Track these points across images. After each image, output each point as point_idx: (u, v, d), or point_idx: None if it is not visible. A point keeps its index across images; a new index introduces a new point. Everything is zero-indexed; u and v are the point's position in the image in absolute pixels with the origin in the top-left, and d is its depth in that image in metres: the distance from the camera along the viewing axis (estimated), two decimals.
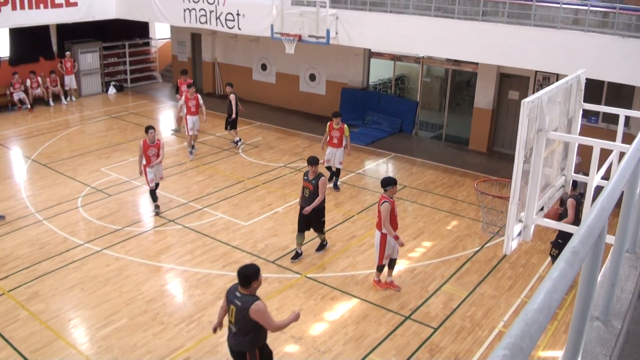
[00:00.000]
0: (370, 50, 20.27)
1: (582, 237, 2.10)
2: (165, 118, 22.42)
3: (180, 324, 9.46)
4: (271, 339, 8.95)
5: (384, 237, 10.04)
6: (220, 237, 12.37)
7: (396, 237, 9.96)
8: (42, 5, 21.33)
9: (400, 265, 11.21)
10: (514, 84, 17.53)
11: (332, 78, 21.50)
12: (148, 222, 13.22)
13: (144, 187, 14.93)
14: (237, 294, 6.80)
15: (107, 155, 17.40)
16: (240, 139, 18.29)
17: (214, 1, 19.89)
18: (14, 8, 20.58)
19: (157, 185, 13.55)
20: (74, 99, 24.13)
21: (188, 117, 16.92)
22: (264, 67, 23.63)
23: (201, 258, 11.51)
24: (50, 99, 23.30)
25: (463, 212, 13.77)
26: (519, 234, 5.45)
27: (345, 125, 14.55)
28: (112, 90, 25.74)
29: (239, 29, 19.57)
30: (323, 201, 11.20)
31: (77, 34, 24.61)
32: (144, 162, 13.19)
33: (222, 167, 16.45)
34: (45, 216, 13.38)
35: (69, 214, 13.49)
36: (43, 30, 23.59)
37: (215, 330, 7.52)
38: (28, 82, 22.64)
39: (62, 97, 23.68)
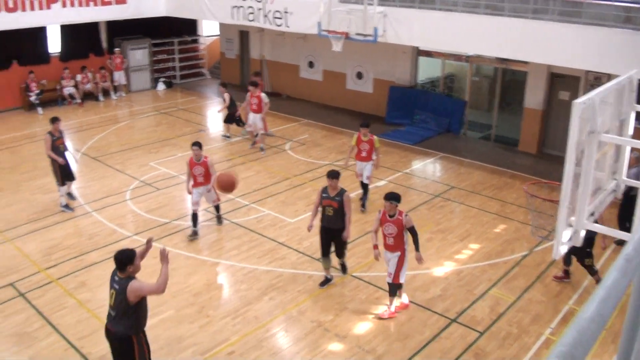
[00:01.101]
0: (418, 48, 20.21)
1: (636, 244, 2.10)
2: (214, 114, 22.74)
3: (226, 318, 9.64)
4: (315, 336, 9.10)
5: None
6: (267, 233, 12.54)
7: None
8: (92, 3, 21.89)
9: (447, 267, 11.21)
10: (565, 84, 17.25)
11: (380, 76, 21.50)
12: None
13: (191, 182, 15.20)
14: (116, 277, 7.04)
15: (156, 150, 17.78)
16: (229, 136, 19.20)
17: None
18: (64, 5, 21.19)
19: (217, 207, 12.70)
20: (123, 94, 24.69)
21: (250, 114, 17.45)
22: (311, 64, 23.77)
23: (247, 253, 11.70)
24: (100, 94, 23.90)
25: (512, 214, 13.64)
26: (569, 239, 5.41)
27: (375, 137, 13.38)
28: (161, 86, 26.25)
29: (287, 26, 19.72)
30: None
31: (126, 30, 25.20)
32: (192, 182, 12.24)
33: (270, 164, 16.65)
34: (95, 208, 13.78)
35: (117, 207, 13.86)
36: (93, 27, 24.24)
37: None
38: (78, 77, 23.31)
39: (112, 93, 24.27)
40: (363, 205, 13.68)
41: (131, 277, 7.03)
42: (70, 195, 14.08)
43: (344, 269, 10.90)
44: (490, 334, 9.36)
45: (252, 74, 18.98)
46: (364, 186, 13.57)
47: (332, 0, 17.38)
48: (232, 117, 18.98)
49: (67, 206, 13.68)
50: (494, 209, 13.91)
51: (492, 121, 19.23)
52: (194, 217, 12.24)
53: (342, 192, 10.11)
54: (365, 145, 13.24)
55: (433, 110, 20.04)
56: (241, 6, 20.87)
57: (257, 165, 16.57)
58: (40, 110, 21.99)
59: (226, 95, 18.54)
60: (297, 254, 11.67)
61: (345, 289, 10.49)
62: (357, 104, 22.18)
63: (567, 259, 10.60)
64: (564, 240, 5.31)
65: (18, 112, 22.26)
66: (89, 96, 23.77)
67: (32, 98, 21.99)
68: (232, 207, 13.83)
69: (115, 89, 24.51)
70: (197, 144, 12.11)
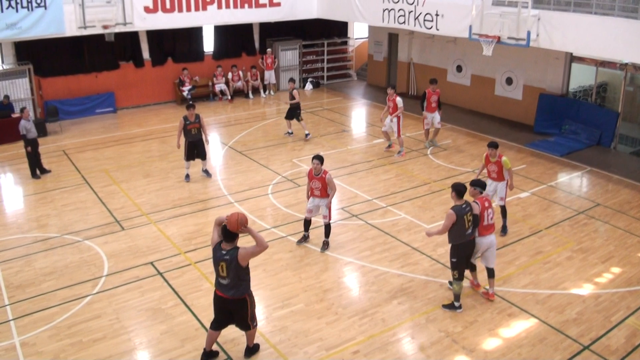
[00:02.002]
0: (571, 54, 19.18)
1: None
2: (358, 115, 22.95)
3: (354, 317, 9.65)
4: (441, 347, 8.89)
5: None
6: (401, 237, 12.42)
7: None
8: (246, 5, 22.87)
9: (585, 290, 10.52)
10: None
11: (530, 83, 20.65)
12: (333, 214, 13.55)
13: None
14: (222, 251, 7.92)
15: (300, 147, 18.19)
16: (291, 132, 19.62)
17: (414, 1, 19.95)
18: (219, 7, 22.32)
19: (327, 230, 11.96)
20: (272, 93, 25.51)
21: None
22: (459, 68, 23.29)
23: (380, 255, 11.65)
24: (250, 92, 24.90)
25: None
26: None
27: (504, 158, 12.14)
28: (309, 86, 26.87)
29: (437, 29, 19.45)
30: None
31: (278, 31, 26.12)
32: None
33: (410, 168, 16.49)
34: (237, 199, 14.33)
35: (258, 199, 14.32)
36: (247, 27, 25.27)
37: None
38: (230, 75, 24.42)
39: (261, 91, 25.21)
40: (503, 229, 12.60)
41: (237, 247, 7.94)
42: (206, 172, 15.90)
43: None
44: None
45: (430, 81, 17.79)
46: (501, 208, 12.55)
47: (484, 3, 16.93)
48: (292, 114, 19.13)
49: (187, 176, 15.56)
50: None
51: None
52: (306, 223, 12.11)
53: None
54: (493, 166, 12.25)
55: (584, 120, 18.92)
56: (392, 9, 20.88)
57: (397, 168, 16.47)
58: None
59: (295, 92, 18.76)
60: (430, 261, 11.45)
61: (477, 301, 10.14)
62: (504, 111, 21.46)
63: None
64: None
65: (171, 106, 23.74)
66: (238, 93, 24.88)
67: (185, 93, 23.33)
68: (369, 208, 13.83)
69: (265, 87, 25.40)
70: (318, 158, 11.52)
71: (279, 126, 20.79)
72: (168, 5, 21.12)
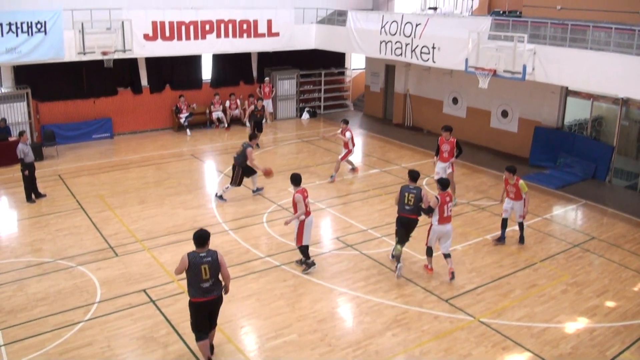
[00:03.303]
0: (567, 88, 19.35)
1: None
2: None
3: (347, 349, 9.57)
4: None
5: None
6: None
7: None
8: (245, 35, 23.19)
9: (580, 324, 10.48)
10: None
11: (525, 116, 20.79)
12: (327, 244, 13.59)
13: (326, 210, 15.45)
14: (201, 254, 8.56)
15: None
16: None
17: (411, 34, 20.20)
18: (218, 36, 22.63)
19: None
20: (269, 121, 25.61)
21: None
22: (455, 100, 23.46)
23: (375, 286, 11.60)
24: (247, 120, 24.92)
25: None
26: None
27: (522, 181, 13.28)
28: (305, 115, 27.00)
29: (434, 61, 19.65)
30: None
31: (276, 61, 26.33)
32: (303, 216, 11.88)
33: None
34: (231, 227, 14.30)
35: (253, 228, 14.29)
36: (245, 56, 25.49)
37: None
38: (227, 103, 24.56)
39: None
40: (521, 240, 13.82)
41: (211, 250, 8.67)
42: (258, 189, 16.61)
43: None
44: None
45: (443, 128, 15.86)
46: (519, 224, 13.81)
47: (480, 37, 17.12)
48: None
49: (221, 197, 16.02)
50: (635, 265, 12.84)
51: None
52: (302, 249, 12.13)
53: None
54: (511, 187, 13.49)
55: (579, 154, 19.03)
56: (389, 41, 21.13)
57: (393, 198, 16.35)
58: (188, 131, 23.40)
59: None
60: (424, 292, 11.40)
61: (471, 334, 10.08)
62: (500, 143, 21.57)
63: None
64: None
65: (168, 132, 23.82)
66: (235, 121, 24.96)
67: (182, 120, 23.43)
68: (364, 238, 13.81)
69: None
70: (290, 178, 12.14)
71: (275, 155, 20.84)
72: (167, 34, 21.36)
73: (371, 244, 13.52)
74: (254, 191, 16.62)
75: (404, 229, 11.94)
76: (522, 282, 11.93)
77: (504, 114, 21.54)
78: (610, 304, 11.24)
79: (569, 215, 15.94)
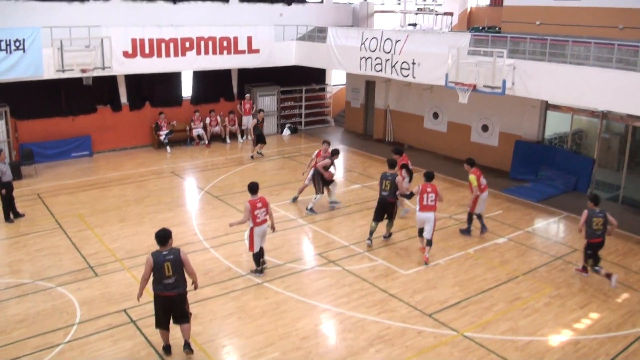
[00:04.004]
0: (547, 102, 19.56)
1: None
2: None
3: None
4: None
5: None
6: (378, 283, 12.35)
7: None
8: (225, 52, 23.21)
9: (564, 336, 10.52)
10: None
11: (506, 130, 20.97)
12: (310, 260, 13.55)
13: (308, 226, 15.42)
14: (164, 252, 9.19)
15: (277, 192, 18.17)
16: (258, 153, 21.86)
17: (391, 50, 20.34)
18: (198, 53, 22.62)
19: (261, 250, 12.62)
20: (250, 138, 25.56)
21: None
22: (435, 115, 23.61)
23: (357, 302, 11.56)
24: (227, 137, 24.97)
25: (636, 284, 12.63)
26: None
27: (471, 175, 14.65)
28: (286, 131, 27.02)
29: (414, 77, 19.79)
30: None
31: (256, 77, 26.36)
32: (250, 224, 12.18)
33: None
34: (212, 244, 14.20)
35: (235, 245, 14.20)
36: (225, 73, 25.49)
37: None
38: (207, 120, 24.51)
39: (239, 136, 25.27)
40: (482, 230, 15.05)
41: (174, 247, 9.32)
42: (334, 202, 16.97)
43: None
44: None
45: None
46: (469, 215, 15.10)
47: (460, 52, 17.26)
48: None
49: (312, 209, 16.40)
50: (619, 276, 12.93)
51: (621, 181, 18.06)
52: (256, 256, 12.58)
53: None
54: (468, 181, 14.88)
55: (559, 167, 19.22)
56: (369, 57, 21.25)
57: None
58: (168, 149, 23.30)
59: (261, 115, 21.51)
60: (407, 308, 11.38)
61: (455, 349, 10.07)
62: (481, 158, 21.64)
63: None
64: None
65: (148, 150, 23.70)
66: (216, 138, 24.92)
67: (162, 137, 23.34)
68: (347, 254, 13.78)
69: (243, 132, 25.47)
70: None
71: (256, 171, 20.79)
72: (147, 50, 21.32)
73: (353, 260, 13.50)
74: (330, 202, 17.01)
75: (380, 209, 14.06)
76: (505, 295, 11.96)
77: (485, 128, 21.71)
78: (594, 315, 11.30)
79: (550, 227, 16.05)
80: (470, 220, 15.07)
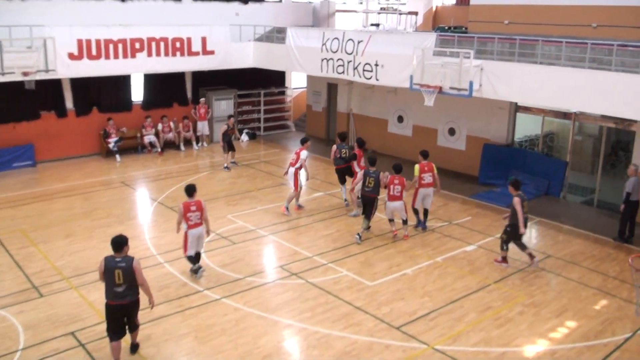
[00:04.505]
0: (516, 104, 19.83)
1: None
2: None
3: None
4: None
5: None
6: (343, 295, 12.32)
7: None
8: (178, 53, 23.04)
9: (540, 346, 10.62)
10: None
11: (473, 133, 21.20)
12: (270, 273, 13.45)
13: (269, 237, 15.33)
14: (117, 259, 9.35)
15: (235, 202, 18.04)
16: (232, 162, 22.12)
17: (353, 51, 20.41)
18: (149, 54, 22.39)
19: (197, 255, 13.03)
20: (205, 144, 25.42)
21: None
22: (400, 119, 23.76)
23: (322, 316, 11.50)
24: (182, 144, 24.75)
25: (614, 290, 12.85)
26: None
27: (416, 165, 16.01)
28: (245, 137, 26.81)
29: (377, 79, 19.88)
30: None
31: (212, 80, 26.23)
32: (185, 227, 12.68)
33: (351, 222, 16.52)
34: (167, 259, 13.99)
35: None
36: (178, 76, 25.29)
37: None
38: (160, 126, 24.26)
39: (194, 143, 25.05)
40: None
41: (129, 256, 9.46)
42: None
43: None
44: None
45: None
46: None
47: (425, 53, 17.40)
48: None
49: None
50: (595, 283, 13.16)
51: (596, 185, 18.42)
52: (190, 259, 13.03)
53: None
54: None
55: (531, 171, 19.49)
56: (331, 58, 21.29)
57: (338, 223, 16.48)
58: (118, 157, 22.95)
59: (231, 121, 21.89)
60: (374, 321, 11.36)
61: None
62: (448, 162, 21.86)
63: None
64: None
65: (96, 159, 23.34)
66: (169, 145, 24.66)
67: (111, 145, 22.99)
68: (310, 265, 13.72)
69: (198, 139, 25.28)
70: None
71: (212, 180, 20.62)
72: (94, 52, 20.99)
73: (317, 272, 13.44)
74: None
75: (364, 205, 15.24)
76: (476, 305, 12.04)
77: (452, 131, 21.91)
78: (570, 324, 11.44)
79: None
80: (416, 213, 16.18)
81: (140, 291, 9.65)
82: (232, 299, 12.10)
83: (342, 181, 17.82)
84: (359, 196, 15.75)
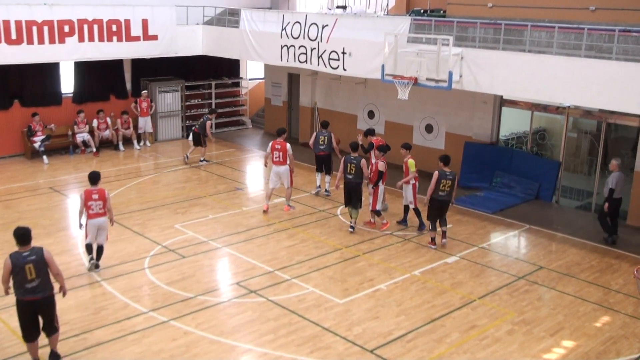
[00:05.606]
0: (501, 97, 20.08)
1: None
2: (254, 170, 23.00)
3: None
4: None
5: None
6: (309, 315, 12.33)
7: None
8: (115, 38, 22.86)
9: None
10: None
11: (453, 130, 21.42)
12: (226, 291, 13.40)
13: (223, 250, 15.28)
14: (24, 254, 9.62)
15: (184, 210, 17.94)
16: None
17: (317, 37, 20.47)
18: (81, 39, 22.13)
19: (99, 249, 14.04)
20: (148, 143, 25.24)
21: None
22: (371, 114, 23.89)
23: (285, 339, 11.48)
24: (121, 143, 24.53)
25: (617, 305, 13.07)
26: None
27: (411, 160, 16.84)
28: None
29: (344, 69, 19.96)
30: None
31: (155, 70, 26.11)
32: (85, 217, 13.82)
33: (317, 232, 16.57)
34: (105, 276, 13.82)
35: (133, 276, 13.88)
36: (116, 65, 25.10)
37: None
38: (95, 123, 23.95)
39: (135, 141, 24.88)
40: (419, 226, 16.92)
41: (37, 247, 9.77)
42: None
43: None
44: None
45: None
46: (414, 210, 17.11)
47: (399, 41, 17.51)
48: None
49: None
50: (594, 297, 13.39)
51: (593, 187, 18.74)
52: (88, 247, 13.93)
53: None
54: (404, 166, 17.00)
55: (518, 172, 19.75)
56: (292, 45, 21.32)
57: (303, 232, 16.51)
58: (45, 159, 22.67)
59: (208, 123, 22.84)
60: (345, 343, 11.39)
61: None
62: (425, 162, 21.93)
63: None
64: None
65: (19, 160, 23.01)
66: (106, 145, 24.42)
67: (37, 145, 22.68)
68: (271, 281, 13.71)
69: (139, 137, 25.11)
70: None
71: (156, 185, 20.49)
72: (14, 36, 20.66)
73: (279, 288, 13.44)
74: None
75: (347, 193, 16.39)
76: (459, 323, 12.13)
77: (429, 128, 22.10)
78: (567, 343, 11.58)
79: (510, 242, 16.46)
80: (418, 214, 16.82)
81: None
82: (181, 321, 12.00)
83: (320, 169, 19.32)
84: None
